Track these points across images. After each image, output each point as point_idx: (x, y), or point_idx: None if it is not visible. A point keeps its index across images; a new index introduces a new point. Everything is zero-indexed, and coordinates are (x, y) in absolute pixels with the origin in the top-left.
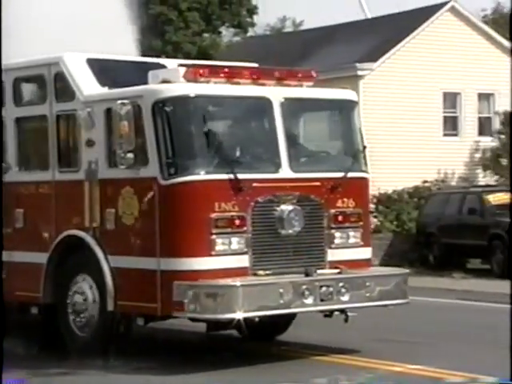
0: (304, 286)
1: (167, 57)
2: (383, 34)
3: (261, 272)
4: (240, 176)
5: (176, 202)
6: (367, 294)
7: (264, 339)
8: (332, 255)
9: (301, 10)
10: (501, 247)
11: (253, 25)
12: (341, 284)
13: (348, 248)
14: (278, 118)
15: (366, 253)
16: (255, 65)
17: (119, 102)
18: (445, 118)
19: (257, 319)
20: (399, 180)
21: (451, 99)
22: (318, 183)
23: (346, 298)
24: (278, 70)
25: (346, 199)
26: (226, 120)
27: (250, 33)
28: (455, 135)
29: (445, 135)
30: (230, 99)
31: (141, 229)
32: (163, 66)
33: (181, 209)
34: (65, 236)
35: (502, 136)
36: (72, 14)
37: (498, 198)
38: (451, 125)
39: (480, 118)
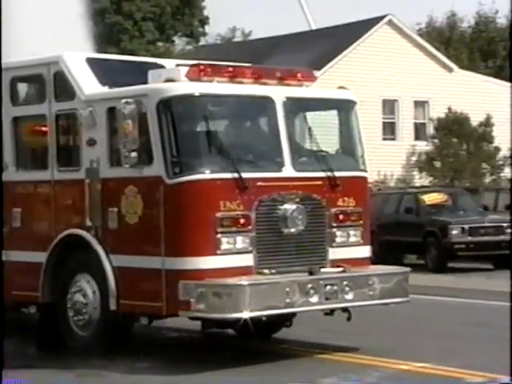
0: (309, 285)
1: None
2: (327, 45)
3: (266, 271)
4: (245, 175)
5: (181, 200)
6: (370, 293)
7: (261, 337)
8: (333, 254)
9: (250, 20)
10: (434, 244)
11: (204, 34)
12: (345, 282)
13: (348, 246)
14: (281, 117)
15: (365, 251)
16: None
17: (123, 100)
18: (384, 123)
19: (264, 318)
20: None
21: (390, 106)
22: (319, 182)
23: (349, 296)
24: (280, 70)
25: (346, 198)
26: (230, 119)
27: (202, 42)
28: (393, 139)
29: (384, 139)
30: (233, 98)
31: (145, 228)
32: (161, 66)
33: (186, 208)
34: (65, 235)
35: (436, 140)
36: (29, 19)
37: (432, 198)
38: (390, 130)
39: (416, 124)
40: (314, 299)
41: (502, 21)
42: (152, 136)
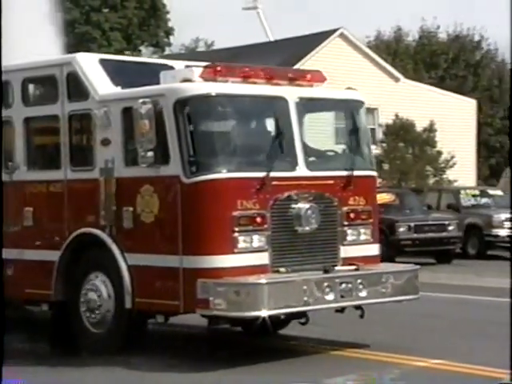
0: (325, 283)
1: None
2: (284, 55)
3: (282, 269)
4: (260, 174)
5: (199, 199)
6: (383, 290)
7: (267, 334)
8: (344, 252)
9: (212, 32)
10: (383, 240)
11: (169, 44)
12: (359, 280)
13: (359, 245)
14: (294, 116)
15: (375, 249)
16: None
17: (140, 100)
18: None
19: (282, 317)
20: None
21: None
22: (331, 181)
23: (363, 294)
24: (291, 71)
25: (356, 197)
26: (245, 119)
27: (167, 51)
28: None
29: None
30: (248, 98)
31: (161, 227)
32: (171, 67)
33: (204, 207)
34: (78, 234)
35: (384, 145)
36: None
37: (380, 198)
38: None
39: None
40: (330, 297)
41: (442, 35)
42: (169, 135)
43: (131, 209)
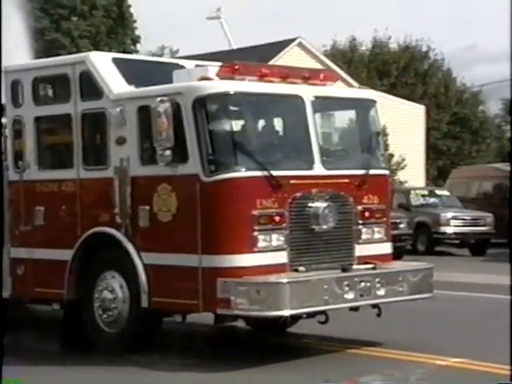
0: (345, 282)
1: None
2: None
3: (301, 268)
4: (279, 173)
5: (219, 198)
6: (400, 289)
7: (275, 332)
8: (359, 250)
9: (178, 40)
10: None
11: (136, 52)
12: (377, 279)
13: (373, 243)
14: (310, 115)
15: (388, 247)
16: None
17: (158, 99)
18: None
19: (304, 316)
20: None
21: None
22: (346, 180)
23: (381, 292)
24: (305, 70)
25: (371, 196)
26: (263, 117)
27: None
28: None
29: None
30: (267, 97)
31: (179, 226)
32: (182, 67)
33: (224, 205)
34: (92, 233)
35: None
36: None
37: None
38: None
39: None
40: (350, 296)
41: (394, 45)
42: (187, 134)
43: (147, 208)
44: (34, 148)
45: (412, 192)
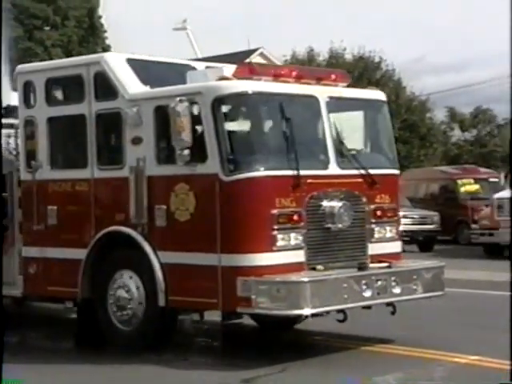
0: (364, 281)
1: None
2: None
3: (320, 267)
4: (297, 172)
5: (239, 197)
6: (414, 287)
7: (281, 329)
8: (372, 249)
9: (146, 49)
10: None
11: None
12: (393, 278)
13: (385, 242)
14: (325, 115)
15: (398, 246)
16: None
17: (177, 98)
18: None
19: (325, 314)
20: None
21: None
22: (360, 179)
23: (397, 290)
24: (318, 70)
25: (383, 195)
26: (280, 117)
27: None
28: None
29: None
30: (283, 97)
31: (198, 225)
32: (193, 68)
33: (244, 205)
34: (106, 232)
35: None
36: None
37: None
38: None
39: None
40: (368, 294)
41: (348, 56)
42: (206, 134)
43: (164, 207)
44: (46, 148)
45: None
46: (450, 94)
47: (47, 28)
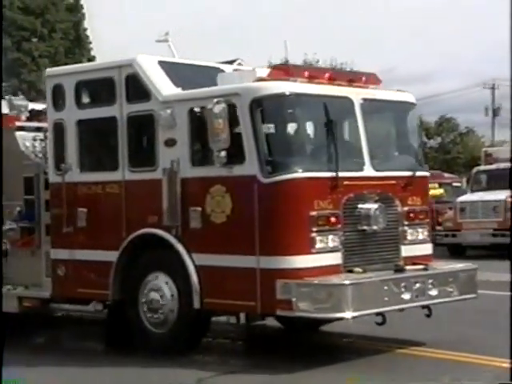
0: (403, 283)
1: (23, 93)
2: None
3: (358, 269)
4: (334, 174)
5: (278, 199)
6: (450, 289)
7: (308, 329)
8: (405, 251)
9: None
10: None
11: None
12: (430, 280)
13: (417, 244)
14: (360, 117)
15: (429, 248)
16: None
17: (215, 100)
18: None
19: (365, 317)
20: None
21: None
22: (393, 181)
23: (434, 293)
24: (349, 73)
25: (414, 197)
26: (316, 118)
27: None
28: None
29: None
30: (320, 98)
31: (235, 227)
32: (222, 70)
33: (283, 207)
34: (138, 234)
35: None
36: None
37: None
38: None
39: None
40: (407, 296)
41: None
42: (244, 135)
43: (199, 209)
44: (76, 150)
45: None
46: (418, 103)
47: (35, 39)
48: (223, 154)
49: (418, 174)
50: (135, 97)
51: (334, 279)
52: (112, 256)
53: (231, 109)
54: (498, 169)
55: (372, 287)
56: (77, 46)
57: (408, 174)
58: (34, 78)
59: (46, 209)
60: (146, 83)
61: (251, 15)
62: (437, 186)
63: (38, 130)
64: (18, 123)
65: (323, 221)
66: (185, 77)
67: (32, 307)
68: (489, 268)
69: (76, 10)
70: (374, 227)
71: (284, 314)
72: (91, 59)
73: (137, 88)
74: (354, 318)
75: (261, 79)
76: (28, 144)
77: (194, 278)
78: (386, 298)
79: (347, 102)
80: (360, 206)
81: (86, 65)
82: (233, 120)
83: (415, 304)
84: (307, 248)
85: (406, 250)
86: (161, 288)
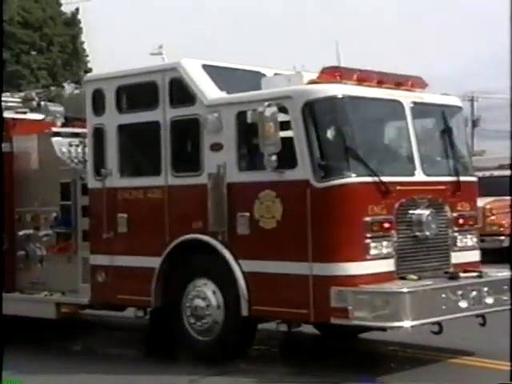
0: (459, 291)
1: None
2: None
3: (413, 276)
4: (386, 179)
5: (332, 204)
6: (504, 298)
7: (346, 337)
8: (455, 258)
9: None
10: None
11: None
12: (485, 288)
13: (466, 250)
14: (410, 121)
15: (478, 255)
16: None
17: (266, 103)
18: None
19: (426, 326)
20: None
21: None
22: (443, 187)
23: (490, 301)
24: (396, 76)
25: (463, 203)
26: (368, 122)
27: None
28: None
29: None
30: (372, 101)
31: (285, 233)
32: (263, 75)
33: (337, 212)
34: (183, 240)
35: None
36: None
37: None
38: None
39: None
40: (464, 305)
41: None
42: (296, 139)
43: (247, 214)
44: (116, 155)
45: None
46: None
47: (34, 52)
48: (274, 158)
49: (467, 179)
50: (179, 101)
51: (393, 286)
52: (154, 262)
53: (282, 112)
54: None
55: (430, 295)
56: (74, 58)
57: (457, 179)
58: (33, 90)
59: (82, 214)
60: (190, 87)
61: (239, 28)
62: None
63: (74, 135)
64: (54, 129)
65: (377, 227)
66: (228, 80)
67: (70, 313)
68: None
69: (73, 24)
70: (427, 233)
71: (339, 322)
72: (88, 71)
73: (181, 92)
74: (412, 327)
75: (312, 82)
76: (64, 150)
77: (242, 284)
78: (444, 307)
79: (398, 105)
80: (412, 211)
81: (127, 69)
82: (284, 123)
83: (472, 313)
84: (362, 254)
85: (456, 257)
86: (205, 295)
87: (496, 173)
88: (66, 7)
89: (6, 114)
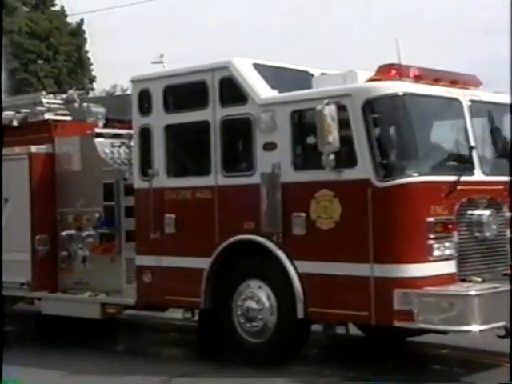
0: None
1: None
2: None
3: (477, 278)
4: (447, 178)
5: (395, 204)
6: None
7: (395, 339)
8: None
9: (127, 79)
10: None
11: (92, 89)
12: None
13: None
14: (468, 119)
15: None
16: None
17: (325, 101)
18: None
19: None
20: None
21: None
22: (501, 186)
23: None
24: (451, 73)
25: None
26: (429, 120)
27: (91, 95)
28: None
29: None
30: (432, 99)
31: (344, 233)
32: (311, 74)
33: (400, 212)
34: (234, 241)
35: None
36: None
37: None
38: None
39: None
40: None
41: None
42: (355, 137)
43: (303, 215)
44: (163, 155)
45: None
46: None
47: (41, 61)
48: (332, 157)
49: None
50: (230, 100)
51: (459, 289)
52: (204, 263)
53: (341, 110)
54: None
55: (497, 298)
56: (79, 67)
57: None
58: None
59: (125, 215)
60: (242, 86)
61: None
62: None
63: (116, 136)
64: (96, 130)
65: (440, 227)
66: (278, 79)
67: (115, 314)
68: None
69: (78, 34)
70: (487, 234)
71: (403, 325)
72: (92, 79)
73: (232, 91)
74: (480, 331)
75: (371, 79)
76: (107, 150)
77: (298, 285)
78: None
79: (456, 103)
80: (471, 211)
81: (174, 69)
82: (343, 122)
83: None
84: (425, 256)
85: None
86: (258, 296)
87: None
88: (72, 18)
89: (48, 116)
